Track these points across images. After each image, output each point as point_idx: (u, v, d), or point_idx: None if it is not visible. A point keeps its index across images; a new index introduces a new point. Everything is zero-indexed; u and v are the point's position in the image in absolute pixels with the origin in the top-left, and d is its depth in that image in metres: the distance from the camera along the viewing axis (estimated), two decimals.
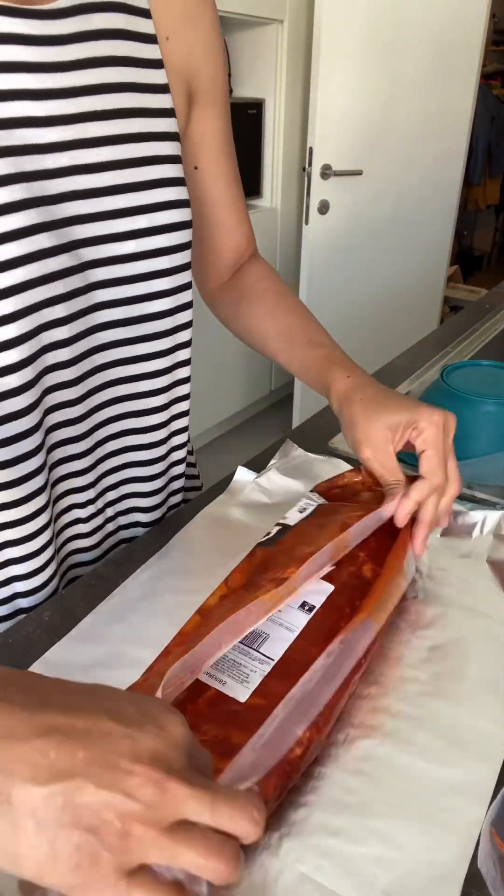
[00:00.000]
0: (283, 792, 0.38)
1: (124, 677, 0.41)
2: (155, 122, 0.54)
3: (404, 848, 0.38)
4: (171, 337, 0.61)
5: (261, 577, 0.49)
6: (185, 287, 0.60)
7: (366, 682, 0.49)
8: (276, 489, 0.71)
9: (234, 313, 0.72)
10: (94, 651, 0.51)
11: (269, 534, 0.54)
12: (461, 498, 0.70)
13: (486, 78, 4.39)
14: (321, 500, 0.58)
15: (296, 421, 2.52)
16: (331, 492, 0.61)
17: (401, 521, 0.54)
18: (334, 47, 1.97)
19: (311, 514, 0.56)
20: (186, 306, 0.61)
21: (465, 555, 0.62)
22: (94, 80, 0.50)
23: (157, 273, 0.56)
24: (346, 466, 0.75)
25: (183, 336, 0.62)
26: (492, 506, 0.68)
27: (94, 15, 0.50)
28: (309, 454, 0.77)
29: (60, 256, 0.49)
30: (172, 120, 0.56)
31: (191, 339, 0.63)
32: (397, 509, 0.54)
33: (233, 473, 0.73)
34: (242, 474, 0.73)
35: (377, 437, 0.55)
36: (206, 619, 0.46)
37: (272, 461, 0.75)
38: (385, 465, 0.56)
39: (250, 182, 2.47)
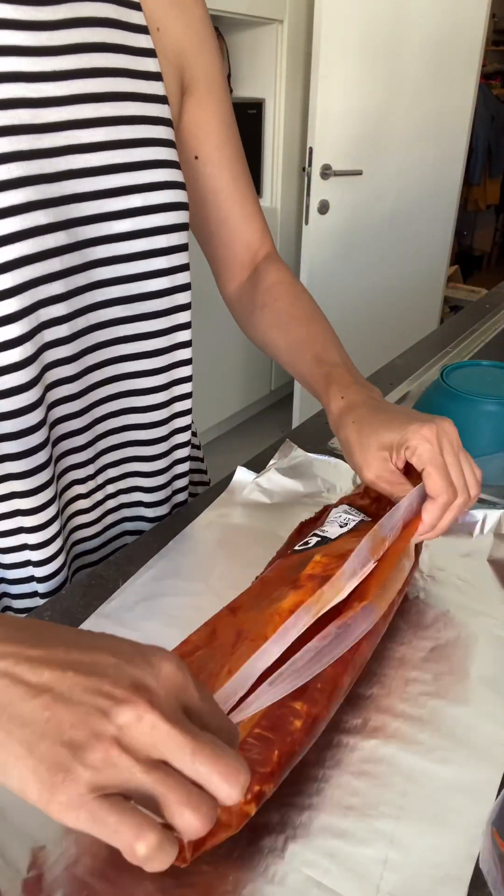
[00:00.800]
0: (286, 764, 0.38)
1: None
2: (148, 107, 0.55)
3: (410, 849, 0.38)
4: (169, 317, 0.61)
5: (297, 573, 0.48)
6: (183, 268, 0.61)
7: (368, 683, 0.49)
8: (275, 489, 0.71)
9: (249, 322, 0.72)
10: None
11: (305, 543, 0.53)
12: None
13: (486, 78, 4.39)
14: (362, 516, 0.56)
15: (296, 421, 2.52)
16: (366, 503, 0.59)
17: (427, 537, 0.52)
18: (334, 47, 1.97)
19: (352, 529, 0.54)
20: (184, 287, 0.61)
21: (466, 554, 0.62)
22: (86, 65, 0.51)
23: (154, 252, 0.57)
24: (346, 467, 0.75)
25: (181, 317, 0.63)
26: (491, 506, 0.68)
27: (84, 4, 0.51)
28: (308, 454, 0.77)
29: (57, 233, 0.50)
30: (165, 107, 0.57)
31: (190, 322, 0.64)
32: (418, 533, 0.52)
33: (232, 473, 0.73)
34: (242, 474, 0.72)
35: (374, 460, 0.53)
36: (235, 613, 0.46)
37: (271, 461, 0.75)
38: (391, 484, 0.53)
39: None
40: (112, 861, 0.37)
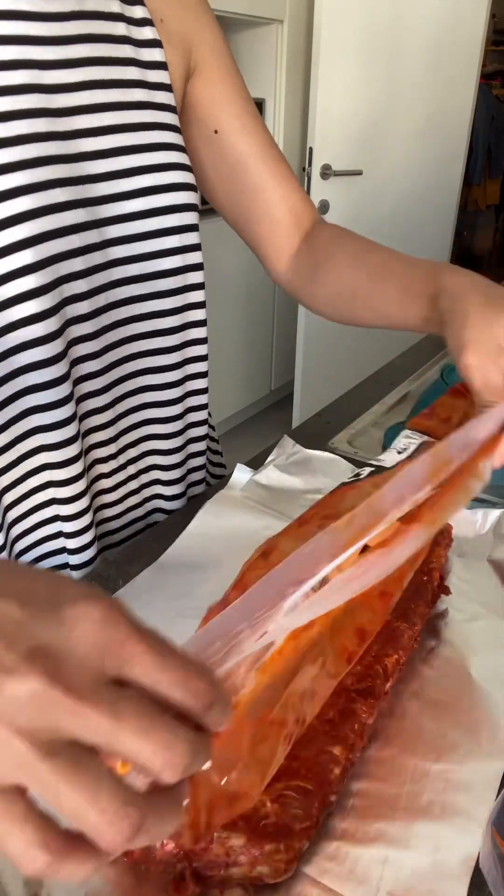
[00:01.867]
0: (322, 814, 0.38)
1: None
2: (154, 94, 0.58)
3: (410, 849, 0.38)
4: (182, 296, 0.63)
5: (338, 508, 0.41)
6: (195, 248, 0.62)
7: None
8: (274, 486, 0.71)
9: (314, 279, 0.68)
10: None
11: (357, 475, 0.48)
12: None
13: (486, 78, 4.39)
14: (424, 437, 0.48)
15: (296, 421, 2.51)
16: (433, 424, 0.50)
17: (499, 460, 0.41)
18: (334, 47, 1.97)
19: (413, 453, 0.46)
20: (197, 267, 0.63)
21: (465, 554, 0.62)
22: (94, 53, 0.54)
23: (165, 231, 0.59)
24: (346, 464, 0.75)
25: (195, 296, 0.64)
26: (491, 506, 0.68)
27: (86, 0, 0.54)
28: (307, 450, 0.76)
29: (76, 211, 0.53)
30: (170, 94, 0.60)
31: (204, 303, 0.65)
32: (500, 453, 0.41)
33: (232, 472, 0.73)
34: (241, 472, 0.73)
35: (489, 341, 0.45)
36: (267, 557, 0.41)
37: (270, 458, 0.75)
38: (487, 380, 0.45)
39: None
40: (113, 860, 0.37)
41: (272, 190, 0.68)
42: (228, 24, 2.30)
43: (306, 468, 0.74)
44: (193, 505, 0.69)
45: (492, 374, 0.45)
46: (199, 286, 0.64)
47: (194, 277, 0.63)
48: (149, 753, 0.20)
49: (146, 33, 0.58)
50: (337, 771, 0.39)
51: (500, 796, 0.37)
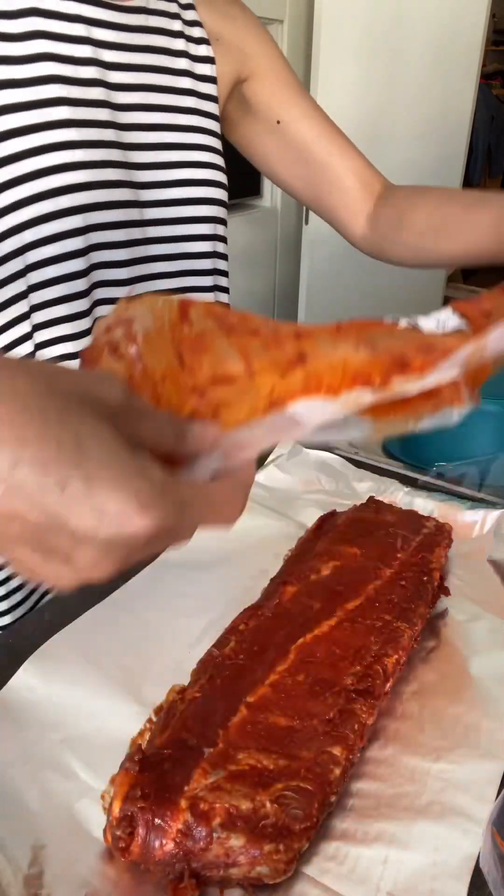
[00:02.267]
0: (322, 815, 0.38)
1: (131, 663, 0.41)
2: (201, 103, 0.68)
3: (410, 849, 0.38)
4: (210, 277, 0.72)
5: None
6: (222, 239, 0.72)
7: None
8: (275, 486, 0.71)
9: (399, 226, 0.72)
10: (94, 639, 0.51)
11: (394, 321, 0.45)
12: (461, 496, 0.70)
13: (486, 78, 4.39)
14: (465, 323, 0.45)
15: None
16: (474, 314, 0.47)
17: None
18: (334, 47, 1.97)
19: (448, 333, 0.43)
20: (223, 256, 0.73)
21: (465, 554, 0.62)
22: (153, 62, 0.64)
23: (198, 219, 0.68)
24: (345, 464, 0.75)
25: (222, 281, 0.75)
26: (491, 506, 0.68)
27: (152, 17, 0.64)
28: (307, 450, 0.76)
29: (123, 189, 0.61)
30: (216, 105, 0.70)
31: (229, 288, 0.76)
32: None
33: None
34: None
35: None
36: (300, 338, 0.35)
37: (270, 457, 0.75)
38: None
39: (250, 182, 2.47)
40: (111, 860, 0.37)
41: (338, 163, 0.74)
42: None
43: (306, 468, 0.74)
44: None
45: None
46: (225, 273, 0.74)
47: (222, 264, 0.73)
48: None
49: (202, 50, 0.69)
50: (337, 771, 0.39)
51: (500, 796, 0.37)
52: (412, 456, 0.80)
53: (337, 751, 0.40)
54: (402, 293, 2.62)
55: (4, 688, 0.47)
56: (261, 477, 0.72)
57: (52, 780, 0.41)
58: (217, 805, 0.36)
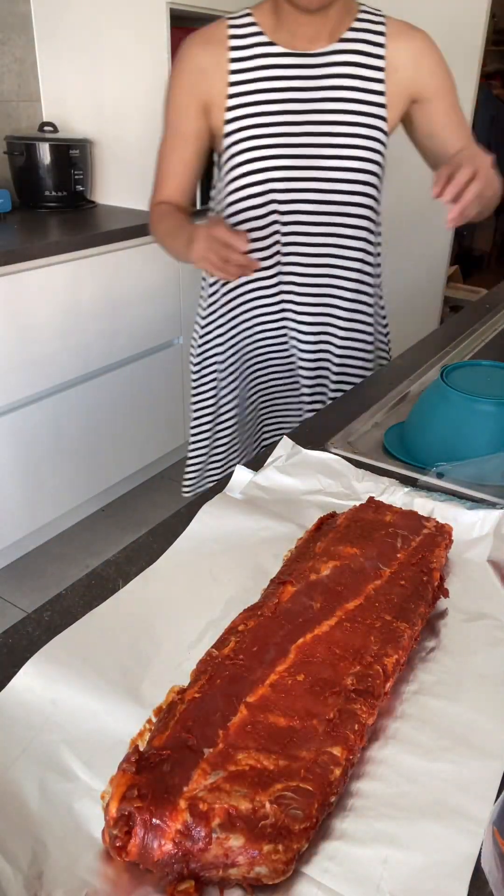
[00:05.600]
0: (322, 815, 0.38)
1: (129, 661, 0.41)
2: (370, 119, 0.98)
3: (410, 849, 0.38)
4: (360, 241, 1.08)
5: None
6: (375, 211, 1.09)
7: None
8: (274, 487, 0.71)
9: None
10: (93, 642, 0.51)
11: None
12: (461, 496, 0.70)
13: (486, 78, 4.38)
14: None
15: None
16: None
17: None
18: None
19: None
20: (371, 231, 1.09)
21: (465, 554, 0.62)
22: (332, 95, 0.96)
23: (354, 192, 1.03)
24: (345, 464, 0.75)
25: (369, 248, 1.10)
26: (491, 506, 0.68)
27: (341, 55, 0.96)
28: (306, 451, 0.77)
29: (306, 159, 0.98)
30: (384, 122, 0.99)
31: (376, 254, 1.13)
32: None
33: (232, 473, 0.73)
34: (241, 473, 0.72)
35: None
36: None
37: (269, 459, 0.75)
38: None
39: None
40: (111, 860, 0.37)
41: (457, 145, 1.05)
42: None
43: (306, 469, 0.74)
44: (192, 507, 0.69)
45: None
46: (374, 243, 1.10)
47: (370, 238, 1.08)
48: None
49: (376, 75, 0.97)
50: (337, 772, 0.39)
51: (501, 796, 0.37)
52: (412, 456, 0.80)
53: (337, 751, 0.40)
54: (402, 293, 2.62)
55: (5, 689, 0.47)
56: (260, 479, 0.72)
57: (51, 781, 0.41)
58: (216, 805, 0.36)
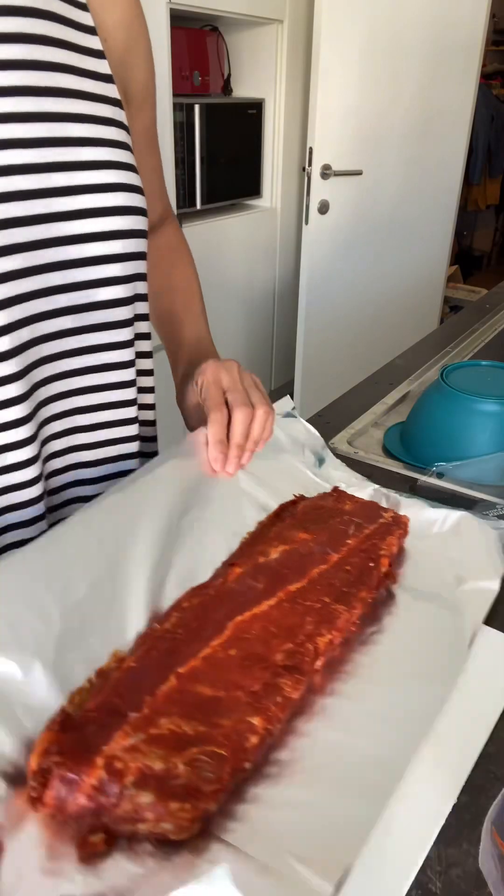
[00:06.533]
0: (234, 780, 0.39)
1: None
2: (98, 107, 0.53)
3: (317, 815, 0.39)
4: (129, 328, 0.59)
5: None
6: (141, 277, 0.59)
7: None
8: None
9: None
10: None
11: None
12: (461, 496, 0.70)
13: (486, 78, 4.39)
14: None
15: None
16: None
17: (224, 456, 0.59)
18: (334, 47, 1.97)
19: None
20: (142, 297, 0.61)
21: (424, 548, 0.61)
22: (27, 56, 0.48)
23: (108, 258, 0.54)
24: (344, 464, 0.75)
25: (142, 327, 0.63)
26: (491, 506, 0.68)
27: None
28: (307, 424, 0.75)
29: (1, 232, 0.48)
30: (118, 109, 0.55)
31: (149, 333, 0.64)
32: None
33: None
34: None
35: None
36: None
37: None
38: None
39: (250, 182, 2.47)
40: (34, 813, 0.37)
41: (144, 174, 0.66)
42: (228, 24, 2.30)
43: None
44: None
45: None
46: (145, 317, 0.62)
47: (141, 307, 0.61)
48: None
49: (92, 42, 0.53)
50: (254, 740, 0.40)
51: (500, 796, 0.37)
52: (412, 456, 0.80)
53: (256, 721, 0.41)
54: (402, 293, 2.62)
55: None
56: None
57: None
58: (132, 764, 0.37)
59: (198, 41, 2.18)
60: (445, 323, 1.31)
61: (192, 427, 0.64)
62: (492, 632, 0.52)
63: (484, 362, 0.88)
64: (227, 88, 2.39)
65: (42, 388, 0.56)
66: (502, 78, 4.64)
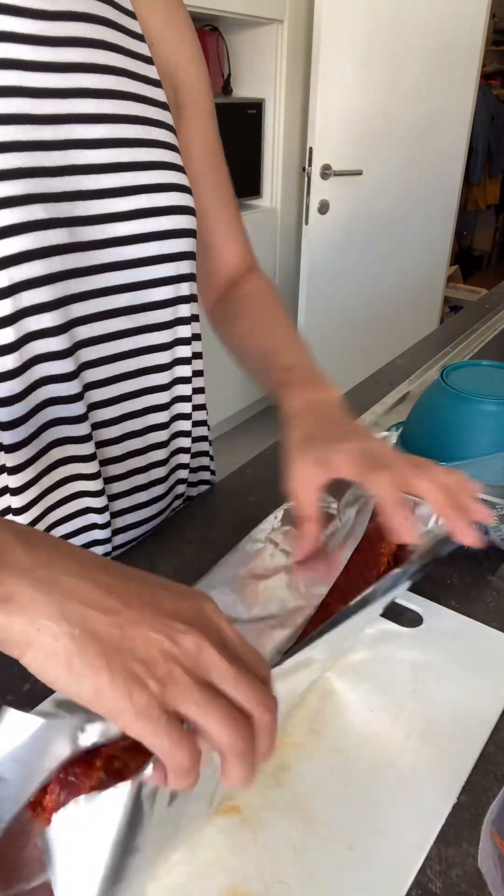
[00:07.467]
0: None
1: None
2: (150, 110, 0.54)
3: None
4: (170, 330, 0.59)
5: None
6: (189, 277, 0.59)
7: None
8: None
9: (223, 333, 0.71)
10: None
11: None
12: None
13: (486, 78, 4.39)
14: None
15: None
16: None
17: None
18: (334, 47, 1.97)
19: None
20: (190, 298, 0.60)
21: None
22: (86, 59, 0.50)
23: (161, 258, 0.55)
24: None
25: (182, 331, 0.61)
26: (491, 506, 0.68)
27: (80, 0, 0.51)
28: None
29: (59, 230, 0.48)
30: (167, 113, 0.56)
31: (191, 337, 0.62)
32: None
33: (234, 472, 0.73)
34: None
35: (301, 470, 0.48)
36: None
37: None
38: (302, 499, 0.48)
39: (250, 182, 2.47)
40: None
41: (220, 247, 0.69)
42: (228, 24, 2.30)
43: None
44: (191, 509, 0.69)
45: (304, 494, 0.48)
46: (189, 320, 0.61)
47: (184, 310, 0.60)
48: (254, 703, 0.30)
49: (141, 48, 0.55)
50: None
51: (499, 796, 0.37)
52: None
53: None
54: (402, 293, 2.62)
55: None
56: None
57: None
58: (132, 763, 0.36)
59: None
60: (445, 323, 1.31)
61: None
62: (492, 632, 0.52)
63: (484, 362, 0.88)
64: (227, 88, 2.40)
65: (95, 389, 0.56)
66: (502, 78, 4.65)
